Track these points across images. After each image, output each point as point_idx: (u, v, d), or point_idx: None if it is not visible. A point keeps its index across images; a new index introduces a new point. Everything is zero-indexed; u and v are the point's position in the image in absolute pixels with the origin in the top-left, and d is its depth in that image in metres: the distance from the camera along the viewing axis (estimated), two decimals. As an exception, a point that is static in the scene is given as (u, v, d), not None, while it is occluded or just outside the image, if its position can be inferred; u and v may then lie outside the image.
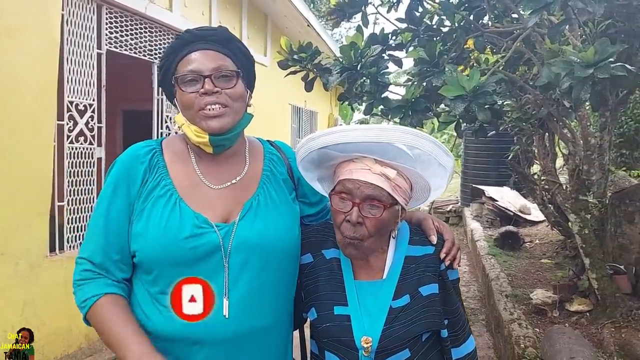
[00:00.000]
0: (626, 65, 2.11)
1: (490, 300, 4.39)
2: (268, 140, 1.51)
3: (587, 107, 3.90)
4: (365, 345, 1.26)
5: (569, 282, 3.98)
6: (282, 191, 1.39)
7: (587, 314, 3.52)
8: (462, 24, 3.23)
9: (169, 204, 1.25)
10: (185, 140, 1.35)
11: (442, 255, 1.35)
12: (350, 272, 1.35)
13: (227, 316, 1.23)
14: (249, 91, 1.35)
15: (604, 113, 3.62)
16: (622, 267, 3.51)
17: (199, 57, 1.26)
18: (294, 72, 3.43)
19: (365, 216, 1.24)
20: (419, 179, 1.30)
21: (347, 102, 3.52)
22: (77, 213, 3.82)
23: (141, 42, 4.57)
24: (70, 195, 3.78)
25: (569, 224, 3.76)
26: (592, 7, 2.21)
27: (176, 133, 1.43)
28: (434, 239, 1.37)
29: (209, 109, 1.24)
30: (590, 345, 3.04)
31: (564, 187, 4.14)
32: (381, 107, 3.24)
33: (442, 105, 3.33)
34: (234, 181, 1.34)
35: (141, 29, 4.56)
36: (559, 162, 5.44)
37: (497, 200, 7.51)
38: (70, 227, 3.78)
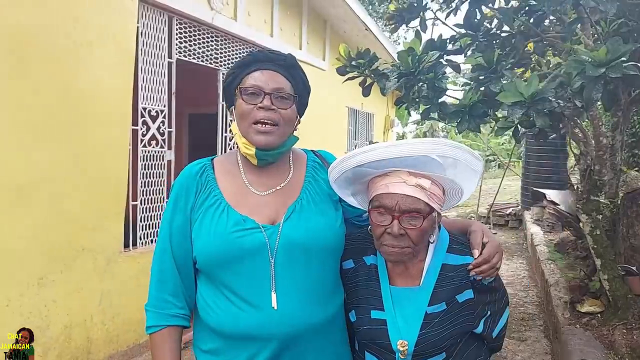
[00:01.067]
0: (638, 64, 2.09)
1: (549, 306, 4.28)
2: (312, 150, 1.60)
3: (599, 107, 3.87)
4: (402, 349, 1.31)
5: (580, 283, 3.95)
6: (325, 194, 1.47)
7: (599, 315, 3.49)
8: (521, 29, 3.18)
9: (218, 211, 1.37)
10: (235, 154, 1.49)
11: (469, 267, 1.35)
12: (386, 279, 1.40)
13: (275, 307, 1.30)
14: (298, 116, 1.46)
15: (616, 113, 3.58)
16: (634, 268, 3.47)
17: (264, 76, 1.38)
18: (352, 78, 3.45)
19: (406, 227, 1.27)
20: (451, 184, 1.34)
21: (404, 106, 3.53)
22: (149, 212, 4.08)
23: (208, 51, 4.75)
24: (142, 195, 4.01)
25: (580, 224, 3.72)
26: (605, 6, 2.19)
27: (231, 138, 1.51)
28: (476, 253, 1.37)
29: (261, 125, 1.35)
30: (602, 347, 3.02)
31: (575, 187, 4.10)
32: (438, 112, 3.22)
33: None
34: (278, 187, 1.43)
35: (208, 38, 4.73)
36: (571, 161, 5.40)
37: (558, 204, 7.29)
38: (142, 225, 4.04)
